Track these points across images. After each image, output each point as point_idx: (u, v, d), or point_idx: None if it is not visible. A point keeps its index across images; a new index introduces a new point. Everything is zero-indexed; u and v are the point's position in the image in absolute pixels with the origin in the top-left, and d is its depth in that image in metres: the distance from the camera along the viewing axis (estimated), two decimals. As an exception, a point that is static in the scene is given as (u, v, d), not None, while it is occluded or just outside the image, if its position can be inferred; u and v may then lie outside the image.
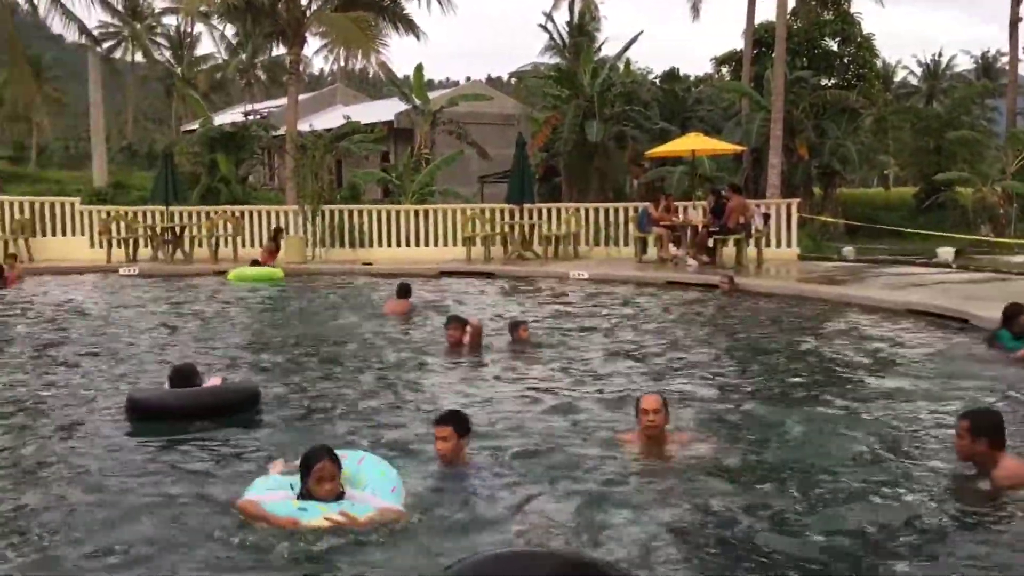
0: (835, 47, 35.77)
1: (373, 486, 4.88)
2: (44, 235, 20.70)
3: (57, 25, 26.47)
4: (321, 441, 5.50)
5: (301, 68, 28.11)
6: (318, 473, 4.71)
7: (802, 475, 5.65)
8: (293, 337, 11.24)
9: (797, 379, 8.53)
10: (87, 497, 5.24)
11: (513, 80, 51.86)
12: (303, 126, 25.52)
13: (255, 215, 21.56)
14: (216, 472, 5.73)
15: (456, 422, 5.55)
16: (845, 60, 35.88)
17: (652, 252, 19.22)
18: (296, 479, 4.86)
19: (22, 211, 20.77)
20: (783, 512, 5.02)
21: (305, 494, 4.71)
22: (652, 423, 5.97)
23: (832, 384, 8.30)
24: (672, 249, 18.77)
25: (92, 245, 20.55)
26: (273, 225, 20.82)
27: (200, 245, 20.75)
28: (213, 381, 7.36)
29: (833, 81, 35.25)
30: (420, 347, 10.16)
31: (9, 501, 5.19)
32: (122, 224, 20.79)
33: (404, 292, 12.94)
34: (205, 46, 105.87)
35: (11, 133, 58.22)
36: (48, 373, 8.86)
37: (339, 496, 4.70)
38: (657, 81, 39.67)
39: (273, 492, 4.80)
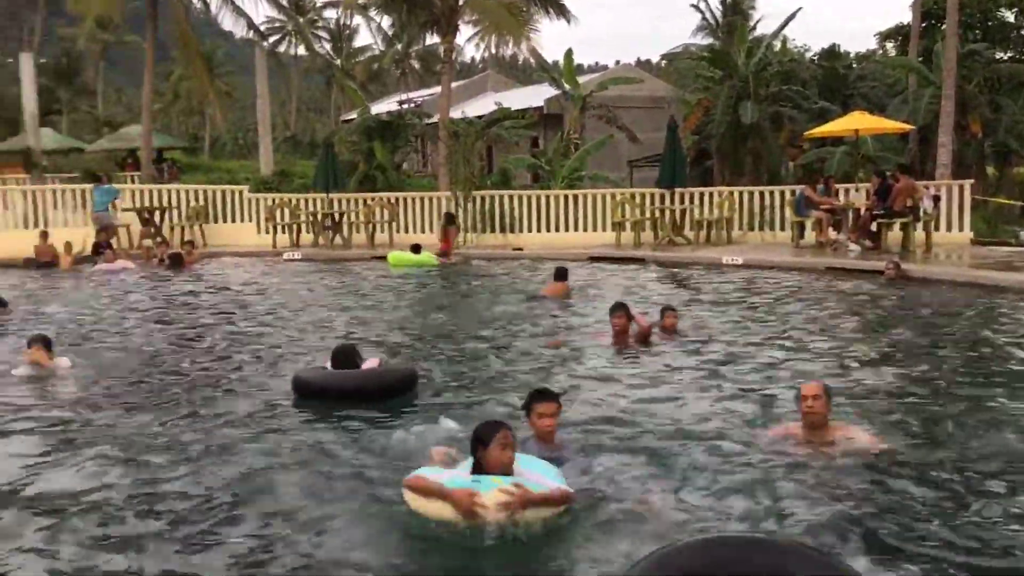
0: (1011, 18, 33.34)
1: (539, 472, 4.73)
2: (216, 221, 21.96)
3: (227, 22, 27.91)
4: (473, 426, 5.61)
5: (454, 56, 28.54)
6: (502, 440, 4.57)
7: (969, 473, 5.34)
8: (448, 320, 11.51)
9: (968, 373, 8.04)
10: (252, 474, 5.48)
11: (664, 62, 51.02)
12: (455, 113, 25.97)
13: (409, 202, 22.15)
14: (375, 454, 5.85)
15: (559, 399, 5.57)
16: (1022, 31, 33.42)
17: (810, 237, 18.53)
18: (458, 473, 4.74)
19: (197, 199, 22.11)
20: (945, 508, 4.78)
21: (477, 469, 4.61)
22: (811, 409, 5.78)
23: (1007, 379, 7.77)
24: (832, 233, 18.04)
25: (259, 231, 21.64)
26: (429, 211, 21.34)
27: (358, 231, 21.51)
28: (371, 363, 7.59)
29: (1009, 54, 32.87)
30: (576, 330, 10.20)
31: (176, 472, 5.55)
32: (286, 211, 21.79)
33: (561, 275, 13.05)
34: (363, 38, 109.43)
35: (186, 126, 62.04)
36: (218, 352, 9.39)
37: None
38: (816, 59, 38.11)
39: (440, 472, 4.73)
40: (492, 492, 4.36)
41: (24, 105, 26.70)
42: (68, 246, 18.33)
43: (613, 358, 8.81)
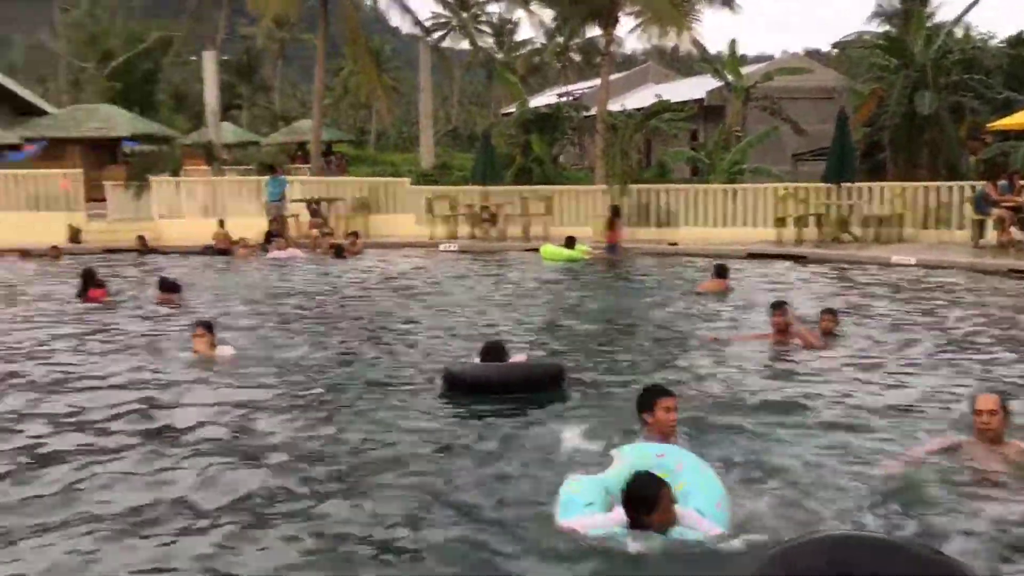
0: None
1: (696, 497, 4.41)
2: (379, 213, 22.67)
3: (395, 18, 28.72)
4: (625, 424, 5.53)
5: (614, 49, 28.35)
6: (665, 503, 4.24)
7: None
8: (601, 314, 11.43)
9: None
10: (402, 466, 5.56)
11: (835, 51, 48.86)
12: (614, 106, 25.79)
13: (565, 195, 22.15)
14: (520, 447, 5.85)
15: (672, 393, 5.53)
16: None
17: (991, 236, 17.30)
18: (611, 479, 4.61)
19: (361, 191, 22.90)
20: None
21: (631, 523, 4.29)
22: (987, 425, 5.36)
23: None
24: (1015, 233, 16.78)
25: (418, 222, 22.20)
26: (584, 204, 21.28)
27: (513, 223, 21.71)
28: (518, 358, 7.62)
29: None
30: (734, 328, 9.94)
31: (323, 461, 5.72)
32: (444, 203, 22.25)
33: (721, 272, 12.76)
34: (524, 32, 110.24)
35: (354, 120, 64.41)
36: (372, 341, 9.65)
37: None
38: (1002, 46, 35.50)
39: (593, 515, 4.43)
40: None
41: (207, 101, 28.40)
42: (242, 239, 19.39)
43: (771, 357, 8.51)
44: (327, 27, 26.05)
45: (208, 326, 8.50)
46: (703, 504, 4.37)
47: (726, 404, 6.85)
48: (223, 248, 19.35)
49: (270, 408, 6.78)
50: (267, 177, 21.80)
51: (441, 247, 20.04)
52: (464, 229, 21.77)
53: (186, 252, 19.16)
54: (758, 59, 55.55)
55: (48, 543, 4.42)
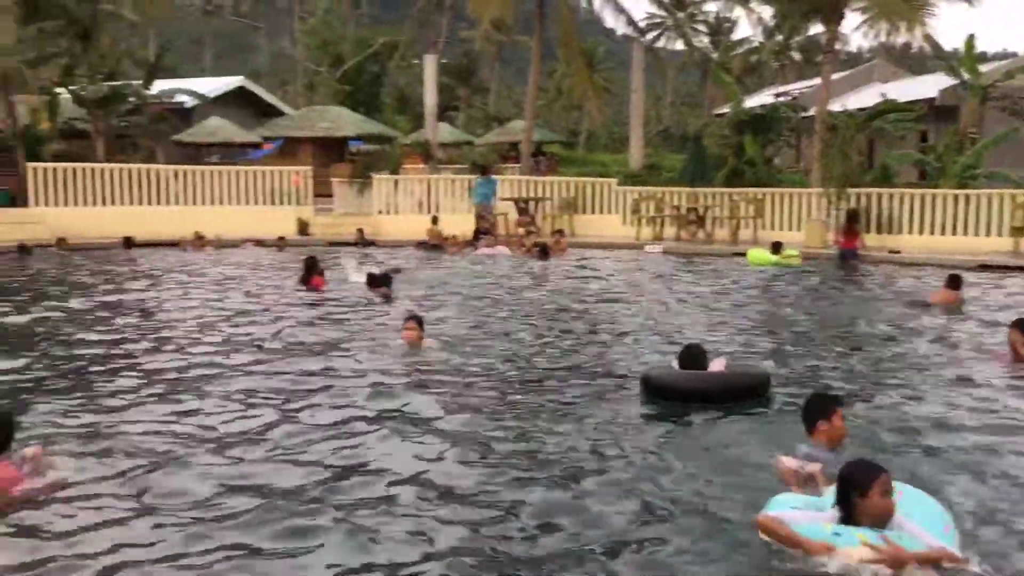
0: None
1: (920, 522, 4.11)
2: (584, 213, 22.82)
3: (609, 19, 28.76)
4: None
5: (837, 46, 27.04)
6: (883, 487, 4.04)
7: None
8: (811, 322, 10.96)
9: None
10: (593, 476, 5.53)
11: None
12: (834, 106, 24.59)
13: (777, 198, 21.40)
14: (724, 460, 5.64)
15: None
16: None
17: None
18: (823, 497, 4.38)
19: (568, 191, 23.14)
20: None
21: (846, 517, 4.11)
22: None
23: None
24: None
25: (624, 223, 22.15)
26: (797, 208, 20.46)
27: (721, 226, 21.22)
28: (717, 364, 7.38)
29: None
30: (965, 345, 9.23)
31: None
32: (651, 204, 22.07)
33: (955, 283, 11.93)
34: (742, 30, 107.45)
35: (566, 121, 65.14)
36: (572, 341, 9.70)
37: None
38: None
39: (801, 511, 4.27)
40: (855, 549, 3.91)
41: (426, 102, 29.64)
42: (453, 236, 20.10)
43: (1002, 379, 7.80)
44: (542, 29, 26.50)
45: (418, 320, 8.86)
46: (928, 526, 4.08)
47: (944, 423, 6.37)
48: (435, 243, 20.16)
49: (470, 406, 6.89)
50: (477, 177, 22.45)
51: (646, 248, 19.90)
52: (670, 231, 21.51)
53: (401, 246, 20.11)
54: (999, 56, 51.30)
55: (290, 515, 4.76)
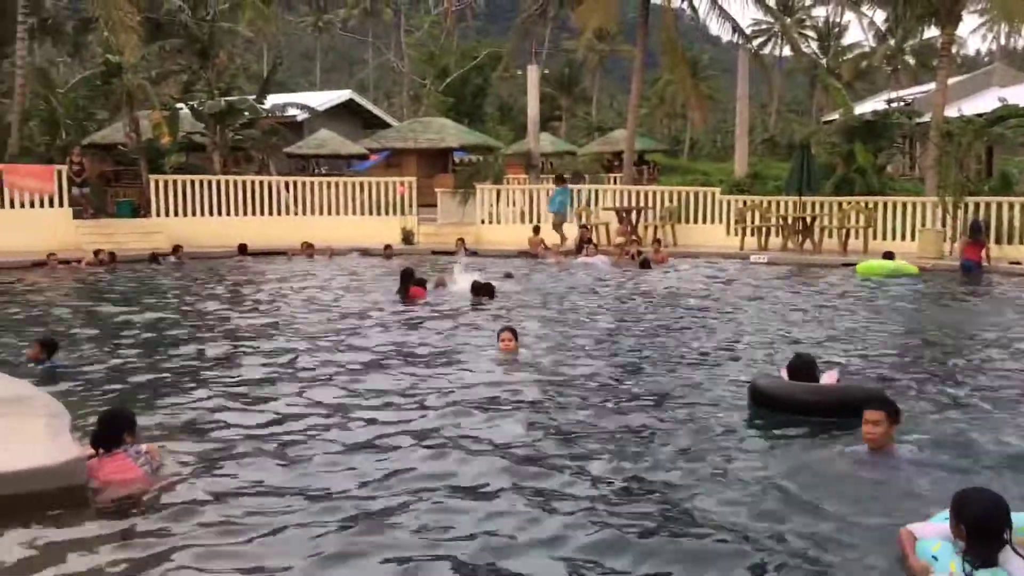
0: None
1: None
2: (687, 222, 22.56)
3: (714, 27, 28.42)
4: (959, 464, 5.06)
5: (954, 50, 26.05)
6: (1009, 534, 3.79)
7: None
8: (928, 334, 10.59)
9: None
10: (695, 481, 5.49)
11: None
12: (951, 111, 23.70)
13: (888, 206, 20.74)
14: (833, 483, 5.42)
15: (889, 407, 5.53)
16: None
17: None
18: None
19: (670, 200, 22.93)
20: None
21: (968, 551, 3.87)
22: None
23: None
24: None
25: (728, 233, 21.80)
26: (911, 217, 19.78)
27: (830, 236, 20.67)
28: (829, 376, 7.19)
29: None
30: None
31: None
32: (756, 213, 21.66)
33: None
34: (852, 35, 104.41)
35: (669, 129, 64.58)
36: (674, 351, 9.59)
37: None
38: None
39: (939, 525, 4.13)
40: None
41: (529, 113, 29.83)
42: (555, 245, 20.17)
43: None
44: (646, 37, 26.35)
45: (513, 331, 9.00)
46: None
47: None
48: (536, 252, 20.26)
49: (569, 418, 6.85)
50: (553, 186, 22.51)
51: (751, 259, 19.53)
52: (776, 241, 21.07)
53: (503, 255, 20.29)
54: None
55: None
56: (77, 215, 21.22)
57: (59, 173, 21.13)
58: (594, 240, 20.63)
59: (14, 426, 5.27)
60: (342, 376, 8.17)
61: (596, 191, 24.01)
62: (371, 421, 6.65)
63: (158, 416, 6.68)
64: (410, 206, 23.62)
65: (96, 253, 18.50)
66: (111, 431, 5.27)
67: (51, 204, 20.90)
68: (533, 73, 29.30)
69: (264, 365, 8.66)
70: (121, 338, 10.26)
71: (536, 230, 21.53)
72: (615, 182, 28.81)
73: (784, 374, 7.19)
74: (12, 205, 20.39)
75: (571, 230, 21.43)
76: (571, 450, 6.00)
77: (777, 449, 6.10)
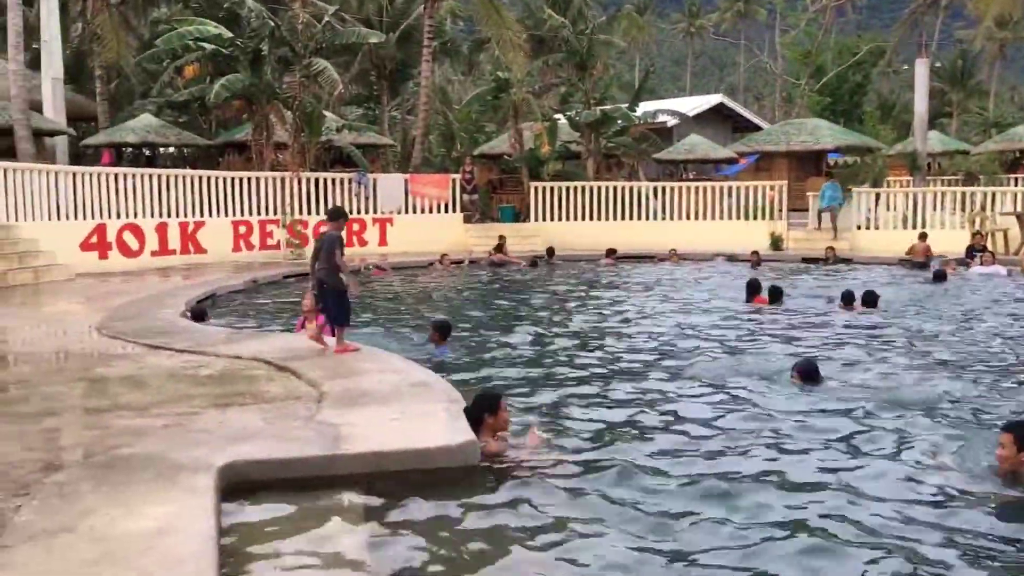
0: None
1: None
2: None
3: None
4: None
5: None
6: None
7: None
8: None
9: None
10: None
11: None
12: None
13: None
14: None
15: (1018, 432, 5.21)
16: None
17: None
18: None
19: None
20: None
21: None
22: None
23: None
24: None
25: None
26: None
27: None
28: None
29: None
30: None
31: None
32: None
33: None
34: None
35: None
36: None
37: None
38: None
39: None
40: None
41: (916, 110, 27.67)
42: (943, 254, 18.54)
43: None
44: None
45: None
46: None
47: None
48: (920, 261, 18.75)
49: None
50: (826, 181, 20.96)
51: None
52: None
53: (881, 263, 19.02)
54: None
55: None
56: (467, 219, 23.32)
57: (453, 181, 23.38)
58: (989, 248, 18.64)
59: (420, 409, 5.94)
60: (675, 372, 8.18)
61: (993, 193, 21.68)
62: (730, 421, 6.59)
63: (542, 398, 7.21)
64: (779, 211, 22.95)
65: (495, 250, 20.63)
66: (472, 412, 5.75)
67: (446, 210, 23.18)
68: (922, 67, 27.15)
69: (623, 366, 8.94)
70: (507, 329, 11.21)
71: (923, 236, 19.87)
72: (1018, 183, 25.81)
73: None
74: (414, 211, 22.90)
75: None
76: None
77: None
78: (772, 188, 23.35)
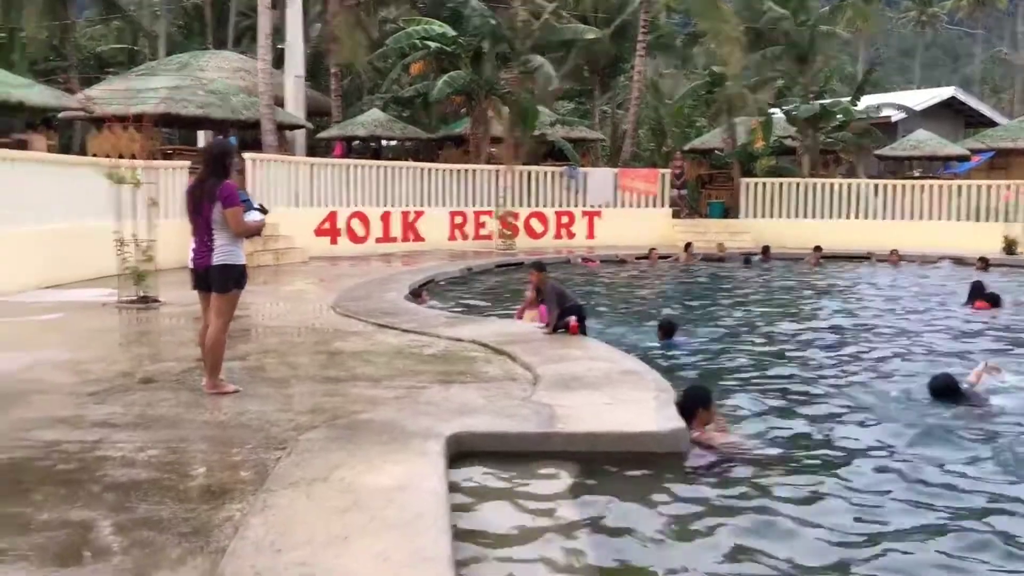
0: None
1: None
2: None
3: None
4: None
5: None
6: None
7: None
8: None
9: None
10: None
11: None
12: None
13: None
14: None
15: None
16: None
17: None
18: None
19: None
20: None
21: None
22: None
23: None
24: None
25: None
26: None
27: None
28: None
29: None
30: None
31: None
32: None
33: None
34: None
35: None
36: None
37: None
38: None
39: None
40: None
41: None
42: None
43: None
44: None
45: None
46: None
47: None
48: None
49: None
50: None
51: None
52: None
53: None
54: None
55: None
56: (675, 214, 23.26)
57: (662, 176, 23.36)
58: None
59: (631, 396, 6.18)
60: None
61: None
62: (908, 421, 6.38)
63: (746, 397, 7.29)
64: (1016, 212, 21.34)
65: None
66: (686, 404, 5.88)
67: (654, 204, 23.22)
68: None
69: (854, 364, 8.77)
70: (722, 326, 11.32)
71: None
72: None
73: None
74: (623, 205, 23.09)
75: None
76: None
77: None
78: (1009, 188, 21.74)
